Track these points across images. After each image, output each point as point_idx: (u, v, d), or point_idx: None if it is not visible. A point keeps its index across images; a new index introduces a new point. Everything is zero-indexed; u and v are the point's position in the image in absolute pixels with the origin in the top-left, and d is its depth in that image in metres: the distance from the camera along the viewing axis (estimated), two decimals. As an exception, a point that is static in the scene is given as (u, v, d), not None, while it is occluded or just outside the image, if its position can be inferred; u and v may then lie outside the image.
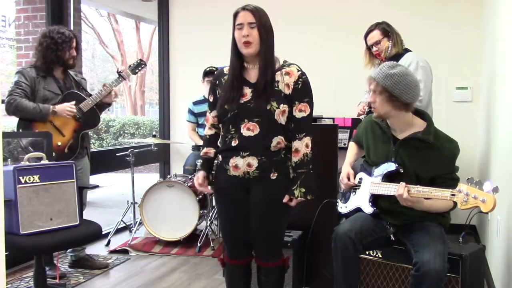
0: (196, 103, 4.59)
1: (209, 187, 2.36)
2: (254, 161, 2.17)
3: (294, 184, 2.18)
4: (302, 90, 2.19)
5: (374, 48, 3.30)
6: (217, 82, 2.30)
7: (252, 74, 2.21)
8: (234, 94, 2.18)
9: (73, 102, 3.26)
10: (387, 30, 3.27)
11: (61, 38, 3.26)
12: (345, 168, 2.57)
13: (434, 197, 2.12)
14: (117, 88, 3.49)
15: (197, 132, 4.60)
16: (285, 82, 2.18)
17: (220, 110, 2.22)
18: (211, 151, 2.35)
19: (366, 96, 3.24)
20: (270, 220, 2.25)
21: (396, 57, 3.24)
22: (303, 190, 2.18)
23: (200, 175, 2.33)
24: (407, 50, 3.30)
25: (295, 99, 2.19)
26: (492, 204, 1.90)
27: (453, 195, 2.03)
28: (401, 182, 2.19)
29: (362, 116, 3.26)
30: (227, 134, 2.22)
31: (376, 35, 3.28)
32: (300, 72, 2.21)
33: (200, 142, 4.04)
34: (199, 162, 2.47)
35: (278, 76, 2.19)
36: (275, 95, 2.16)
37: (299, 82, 2.19)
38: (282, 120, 2.17)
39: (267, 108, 2.14)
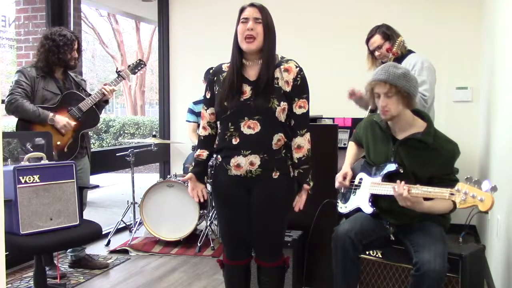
0: (196, 102, 4.59)
1: (204, 190, 2.36)
2: (256, 159, 2.17)
3: (306, 177, 2.23)
4: (301, 87, 2.21)
5: (377, 53, 3.30)
6: (215, 78, 2.29)
7: (251, 71, 2.21)
8: (233, 91, 2.18)
9: (73, 123, 3.27)
10: (387, 34, 3.27)
11: (63, 40, 3.26)
12: (345, 168, 2.57)
13: (433, 196, 2.12)
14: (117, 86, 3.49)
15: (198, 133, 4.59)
16: (284, 79, 2.18)
17: (218, 107, 2.21)
18: (204, 153, 2.33)
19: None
20: (272, 219, 2.25)
21: (400, 58, 3.23)
22: (311, 183, 2.24)
23: (188, 177, 2.32)
24: (410, 51, 3.30)
25: (294, 95, 2.20)
26: (490, 203, 1.90)
27: (452, 194, 2.03)
28: (399, 181, 2.18)
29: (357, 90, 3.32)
30: (226, 131, 2.20)
31: (377, 39, 3.29)
32: (298, 69, 2.22)
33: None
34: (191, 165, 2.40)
35: (277, 73, 2.19)
36: (275, 93, 2.16)
37: (298, 79, 2.20)
38: (282, 117, 2.17)
39: (268, 106, 2.14)
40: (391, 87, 2.22)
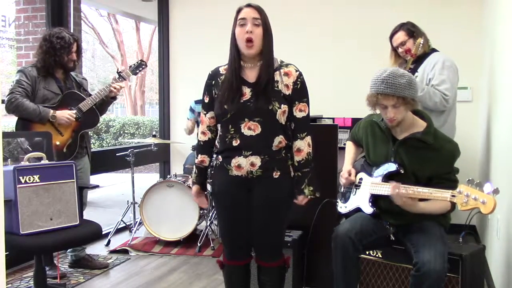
0: (198, 101, 4.59)
1: (206, 192, 2.37)
2: (257, 160, 2.16)
3: (302, 183, 2.20)
4: (301, 90, 2.21)
5: (400, 49, 3.28)
6: (213, 82, 2.27)
7: (250, 73, 2.20)
8: (233, 94, 2.17)
9: (74, 111, 3.27)
10: (412, 31, 3.25)
11: (60, 43, 3.26)
12: (346, 166, 2.57)
13: (434, 198, 2.12)
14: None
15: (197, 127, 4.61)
16: (284, 82, 2.18)
17: (219, 110, 2.20)
18: (206, 159, 2.34)
19: None
20: (272, 219, 2.25)
21: (423, 56, 3.22)
22: (311, 188, 2.20)
23: (194, 190, 2.35)
24: (433, 50, 3.28)
25: (295, 99, 2.19)
26: (492, 206, 1.90)
27: (453, 196, 2.02)
28: (392, 182, 2.19)
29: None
30: (227, 134, 2.20)
31: (401, 36, 3.27)
32: (298, 73, 2.22)
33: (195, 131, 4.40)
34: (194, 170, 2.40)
35: (277, 76, 2.18)
36: (275, 95, 2.16)
37: (298, 83, 2.20)
38: (282, 120, 2.17)
39: (269, 108, 2.14)
40: (399, 98, 2.20)
